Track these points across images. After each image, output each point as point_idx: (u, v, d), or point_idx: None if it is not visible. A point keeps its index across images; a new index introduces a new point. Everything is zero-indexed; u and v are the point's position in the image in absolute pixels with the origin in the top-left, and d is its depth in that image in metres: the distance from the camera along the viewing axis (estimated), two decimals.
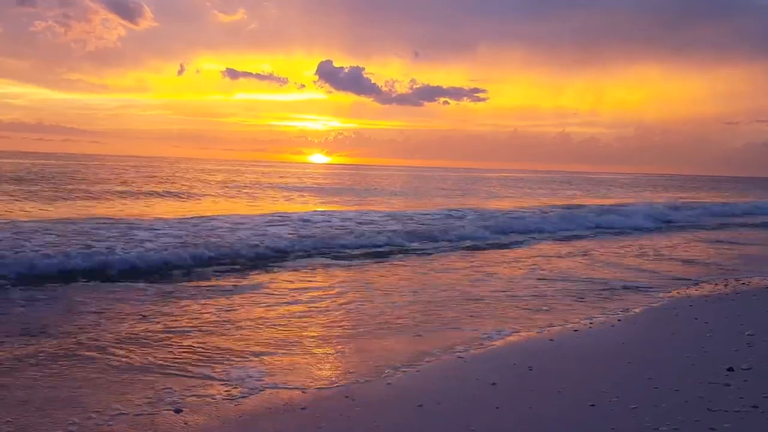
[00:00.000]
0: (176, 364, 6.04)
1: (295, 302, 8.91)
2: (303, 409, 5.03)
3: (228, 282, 10.42)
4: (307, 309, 8.52)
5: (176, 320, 7.66)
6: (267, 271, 11.53)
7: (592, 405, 5.06)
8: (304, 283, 10.49)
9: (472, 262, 13.69)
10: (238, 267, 11.82)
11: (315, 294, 9.56)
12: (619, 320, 8.25)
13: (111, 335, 6.90)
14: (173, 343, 6.71)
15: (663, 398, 5.18)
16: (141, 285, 9.72)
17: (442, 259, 13.98)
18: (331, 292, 9.74)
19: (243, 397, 5.28)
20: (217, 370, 5.94)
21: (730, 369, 5.93)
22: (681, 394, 5.29)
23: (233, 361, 6.22)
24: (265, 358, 6.35)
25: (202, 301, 8.77)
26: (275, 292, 9.57)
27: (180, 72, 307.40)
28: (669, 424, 4.60)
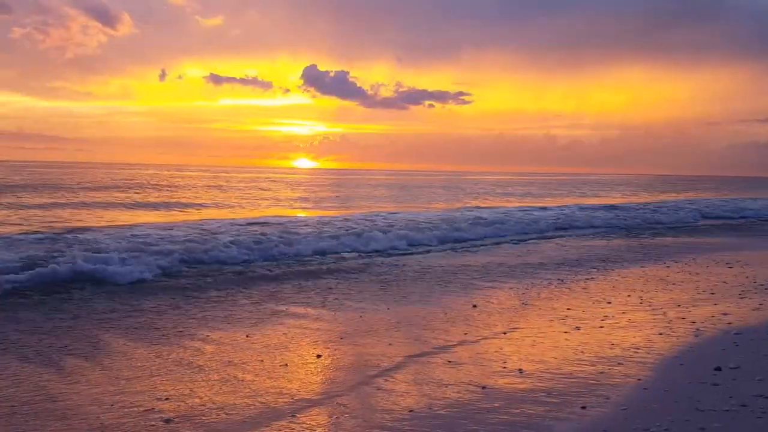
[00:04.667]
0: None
1: None
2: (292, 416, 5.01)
3: None
4: None
5: None
6: None
7: (583, 407, 5.08)
8: None
9: None
10: None
11: None
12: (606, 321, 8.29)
13: None
14: None
15: (652, 399, 5.21)
16: None
17: None
18: None
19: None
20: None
21: (718, 368, 5.97)
22: (670, 394, 5.33)
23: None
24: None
25: None
26: None
27: (161, 77, 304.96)
28: (659, 425, 4.62)
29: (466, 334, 7.60)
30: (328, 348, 7.00)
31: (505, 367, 6.25)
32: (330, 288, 10.68)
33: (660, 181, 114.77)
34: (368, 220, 21.32)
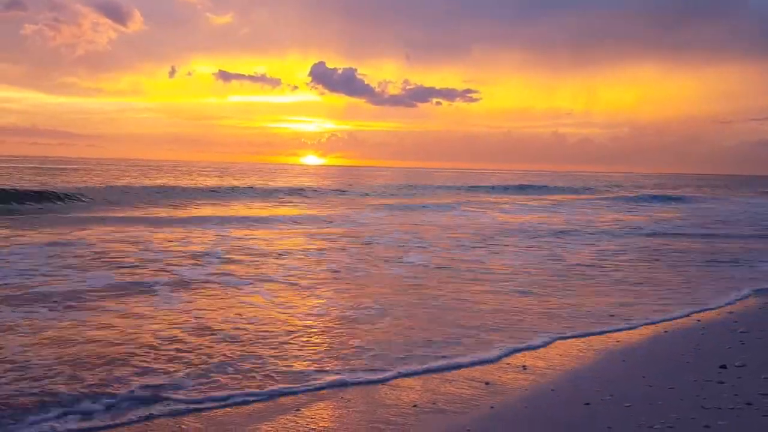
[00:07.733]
0: None
1: None
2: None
3: None
4: None
5: None
6: None
7: (587, 404, 5.07)
8: None
9: None
10: None
11: None
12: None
13: None
14: None
15: (657, 396, 5.20)
16: None
17: None
18: None
19: None
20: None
21: (723, 366, 5.95)
22: (675, 392, 5.31)
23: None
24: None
25: None
26: None
27: (171, 74, 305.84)
28: (663, 422, 4.61)
29: None
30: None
31: (509, 364, 6.25)
32: None
33: (693, 179, 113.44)
34: None
